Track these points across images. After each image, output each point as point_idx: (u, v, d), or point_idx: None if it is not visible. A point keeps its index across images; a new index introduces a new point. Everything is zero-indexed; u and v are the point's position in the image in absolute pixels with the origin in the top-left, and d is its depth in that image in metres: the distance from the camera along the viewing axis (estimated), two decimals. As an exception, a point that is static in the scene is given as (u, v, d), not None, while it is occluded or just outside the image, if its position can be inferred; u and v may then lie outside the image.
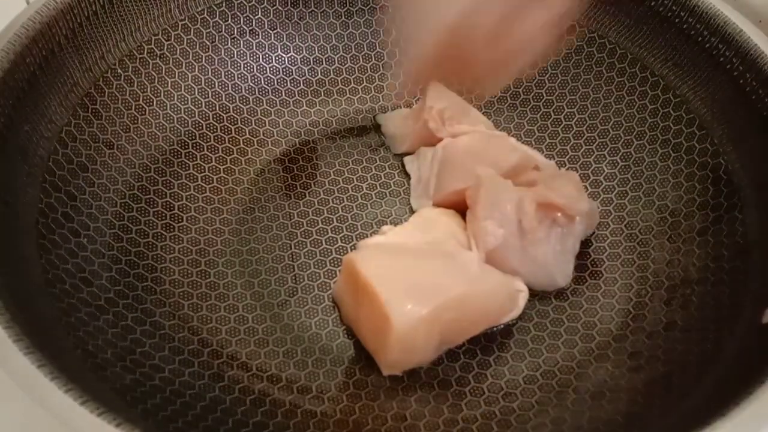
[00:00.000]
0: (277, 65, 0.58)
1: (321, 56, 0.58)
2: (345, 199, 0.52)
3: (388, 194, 0.53)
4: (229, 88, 0.56)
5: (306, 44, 0.58)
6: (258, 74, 0.57)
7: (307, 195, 0.53)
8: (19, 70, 0.43)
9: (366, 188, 0.53)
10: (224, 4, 0.56)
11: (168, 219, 0.50)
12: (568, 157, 0.54)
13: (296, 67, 0.58)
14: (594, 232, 0.50)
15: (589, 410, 0.41)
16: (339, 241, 0.50)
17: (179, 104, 0.54)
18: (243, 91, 0.56)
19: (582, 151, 0.54)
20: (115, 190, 0.49)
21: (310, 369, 0.44)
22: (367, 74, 0.58)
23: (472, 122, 0.51)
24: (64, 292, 0.41)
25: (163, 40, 0.53)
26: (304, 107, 0.57)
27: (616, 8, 0.53)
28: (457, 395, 0.43)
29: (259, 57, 0.57)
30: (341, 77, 0.58)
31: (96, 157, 0.48)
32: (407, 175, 0.53)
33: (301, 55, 0.58)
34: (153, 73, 0.53)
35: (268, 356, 0.44)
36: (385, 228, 0.47)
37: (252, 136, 0.55)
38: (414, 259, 0.43)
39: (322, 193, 0.53)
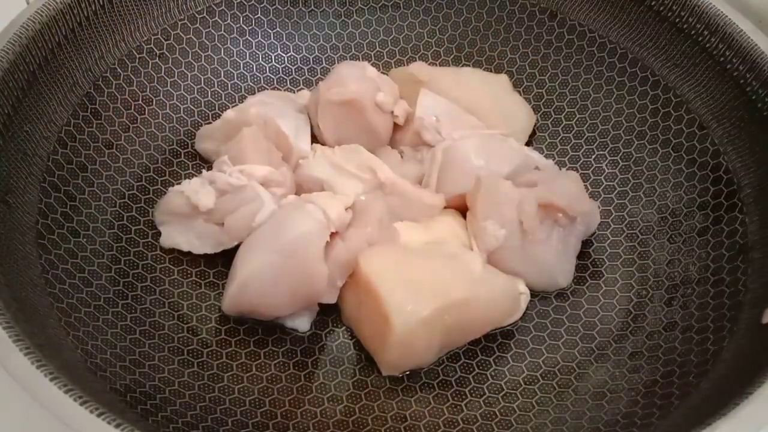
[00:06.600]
0: (276, 65, 0.58)
1: (321, 56, 0.58)
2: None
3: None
4: (229, 87, 0.56)
5: (306, 44, 0.58)
6: (258, 74, 0.57)
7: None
8: (19, 70, 0.43)
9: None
10: (224, 4, 0.56)
11: (168, 219, 0.49)
12: (568, 157, 0.54)
13: (296, 66, 0.58)
14: (594, 232, 0.50)
15: (589, 410, 0.41)
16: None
17: (179, 104, 0.54)
18: (243, 90, 0.56)
19: (582, 151, 0.54)
20: (114, 190, 0.49)
21: (309, 369, 0.44)
22: (367, 74, 0.58)
23: (468, 127, 0.51)
24: (64, 292, 0.41)
25: (162, 40, 0.53)
26: (304, 107, 0.57)
27: (616, 8, 0.53)
28: (457, 396, 0.43)
29: (258, 56, 0.57)
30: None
31: (95, 157, 0.48)
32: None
33: (301, 55, 0.58)
34: (152, 72, 0.53)
35: (268, 357, 0.44)
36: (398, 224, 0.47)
37: (252, 135, 0.55)
38: (417, 259, 0.43)
39: (322, 193, 0.53)
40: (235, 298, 0.43)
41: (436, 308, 0.41)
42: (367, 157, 0.48)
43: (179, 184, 0.48)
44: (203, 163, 0.53)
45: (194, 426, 0.39)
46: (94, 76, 0.49)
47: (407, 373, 0.43)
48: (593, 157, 0.54)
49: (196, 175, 0.49)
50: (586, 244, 0.49)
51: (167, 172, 0.52)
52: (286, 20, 0.58)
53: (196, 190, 0.46)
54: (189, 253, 0.47)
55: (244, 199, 0.45)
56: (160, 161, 0.52)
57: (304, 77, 0.58)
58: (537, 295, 0.47)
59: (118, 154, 0.50)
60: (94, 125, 0.49)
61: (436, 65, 0.58)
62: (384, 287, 0.41)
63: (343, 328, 0.46)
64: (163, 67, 0.53)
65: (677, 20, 0.50)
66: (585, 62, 0.55)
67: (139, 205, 0.49)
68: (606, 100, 0.55)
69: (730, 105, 0.48)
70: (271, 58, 0.58)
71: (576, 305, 0.47)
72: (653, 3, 0.51)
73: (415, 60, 0.58)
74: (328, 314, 0.46)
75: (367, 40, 0.59)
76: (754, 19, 0.50)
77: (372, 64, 0.52)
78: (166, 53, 0.54)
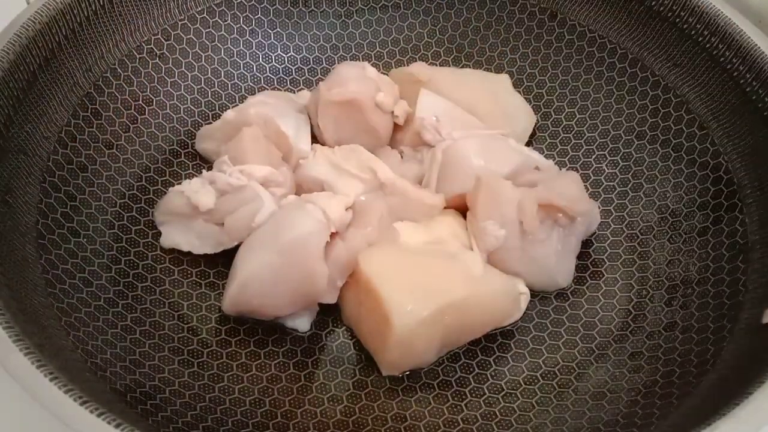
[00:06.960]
0: (277, 65, 0.58)
1: (321, 56, 0.58)
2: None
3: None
4: (229, 87, 0.56)
5: (306, 44, 0.58)
6: (258, 74, 0.57)
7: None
8: (20, 70, 0.43)
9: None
10: (224, 4, 0.56)
11: (168, 219, 0.49)
12: (568, 157, 0.54)
13: (296, 66, 0.58)
14: (595, 232, 0.50)
15: (589, 410, 0.41)
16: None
17: (179, 104, 0.54)
18: (243, 90, 0.56)
19: (582, 151, 0.54)
20: (114, 190, 0.49)
21: (309, 369, 0.44)
22: (367, 74, 0.58)
23: (468, 127, 0.51)
24: (64, 292, 0.41)
25: (162, 40, 0.53)
26: (304, 107, 0.57)
27: (616, 8, 0.53)
28: (457, 396, 0.43)
29: (259, 57, 0.57)
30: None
31: (96, 157, 0.48)
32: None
33: (301, 55, 0.58)
34: (153, 72, 0.53)
35: (268, 357, 0.44)
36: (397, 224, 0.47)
37: (252, 136, 0.55)
38: (417, 259, 0.43)
39: (322, 193, 0.53)
40: (235, 298, 0.43)
41: (436, 308, 0.41)
42: (367, 157, 0.48)
43: (179, 184, 0.48)
44: (203, 163, 0.53)
45: (194, 426, 0.39)
46: (95, 76, 0.49)
47: (407, 373, 0.43)
48: (593, 157, 0.54)
49: (196, 175, 0.49)
50: (586, 244, 0.49)
51: (167, 173, 0.52)
52: (286, 20, 0.58)
53: (196, 190, 0.46)
54: (189, 253, 0.47)
55: (244, 199, 0.45)
56: (160, 161, 0.52)
57: (304, 77, 0.58)
58: (537, 295, 0.47)
59: (119, 154, 0.50)
60: (95, 125, 0.49)
61: (436, 65, 0.58)
62: (384, 287, 0.41)
63: (343, 328, 0.46)
64: (163, 67, 0.53)
65: (677, 20, 0.50)
66: (585, 62, 0.55)
67: (139, 206, 0.49)
68: (606, 100, 0.55)
69: (730, 105, 0.48)
70: (271, 59, 0.58)
71: (576, 305, 0.47)
72: (653, 3, 0.51)
73: (415, 60, 0.58)
74: (328, 314, 0.46)
75: (367, 40, 0.59)
76: (754, 19, 0.50)
77: (372, 64, 0.52)
78: (167, 53, 0.54)
